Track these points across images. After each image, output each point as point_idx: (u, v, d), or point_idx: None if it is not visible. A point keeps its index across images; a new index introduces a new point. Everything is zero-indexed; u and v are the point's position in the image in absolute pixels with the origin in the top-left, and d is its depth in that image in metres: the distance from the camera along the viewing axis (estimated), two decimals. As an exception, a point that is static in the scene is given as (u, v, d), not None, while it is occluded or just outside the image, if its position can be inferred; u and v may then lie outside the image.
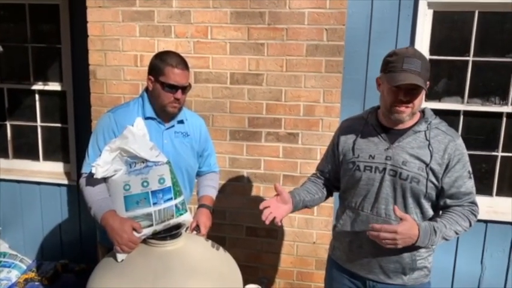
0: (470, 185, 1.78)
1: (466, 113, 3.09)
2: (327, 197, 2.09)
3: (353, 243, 1.89)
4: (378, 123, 1.86)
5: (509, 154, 3.13)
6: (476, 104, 3.08)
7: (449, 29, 3.03)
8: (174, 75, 1.97)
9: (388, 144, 1.80)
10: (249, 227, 3.08)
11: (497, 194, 3.17)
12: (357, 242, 1.88)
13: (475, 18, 2.96)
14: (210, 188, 2.29)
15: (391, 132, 1.81)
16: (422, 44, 2.97)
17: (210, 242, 1.95)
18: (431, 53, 3.04)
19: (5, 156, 3.89)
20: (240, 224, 3.08)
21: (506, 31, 2.97)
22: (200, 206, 2.17)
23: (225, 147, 2.99)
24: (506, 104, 3.04)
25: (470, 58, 3.03)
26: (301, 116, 2.88)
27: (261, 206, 1.82)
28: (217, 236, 3.07)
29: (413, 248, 1.76)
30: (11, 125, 3.87)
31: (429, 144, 1.75)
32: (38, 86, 3.72)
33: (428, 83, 1.79)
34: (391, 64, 1.71)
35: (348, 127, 1.97)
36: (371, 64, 2.98)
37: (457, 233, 1.75)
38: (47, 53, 3.67)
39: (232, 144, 2.99)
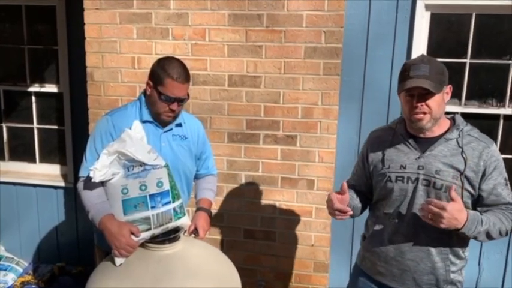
0: (507, 192, 1.75)
1: (464, 115, 3.09)
2: (363, 210, 2.03)
3: (385, 254, 1.85)
4: (407, 133, 1.83)
5: (507, 156, 3.13)
6: (473, 106, 3.09)
7: (446, 31, 3.03)
8: (173, 88, 1.93)
9: (419, 153, 1.77)
10: (246, 230, 3.07)
11: (495, 196, 3.17)
12: (389, 254, 1.84)
13: (472, 21, 2.97)
14: (208, 191, 2.28)
15: (422, 141, 1.78)
16: (420, 46, 2.97)
17: (208, 245, 1.95)
18: (429, 55, 3.03)
19: (1, 158, 3.87)
20: (237, 227, 3.08)
21: (503, 33, 2.98)
22: (198, 209, 2.16)
23: (223, 149, 2.99)
24: (504, 106, 3.05)
25: (468, 60, 3.03)
26: (299, 118, 2.87)
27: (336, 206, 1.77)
28: (215, 239, 3.07)
29: (446, 256, 1.77)
30: (7, 127, 3.84)
31: (462, 151, 1.72)
32: (35, 88, 3.70)
33: (450, 87, 1.77)
34: (401, 76, 1.73)
35: (376, 138, 1.94)
36: (369, 66, 2.98)
37: (500, 233, 1.71)
38: (44, 55, 3.66)
39: (230, 146, 2.98)
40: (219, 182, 2.88)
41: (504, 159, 3.08)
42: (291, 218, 3.00)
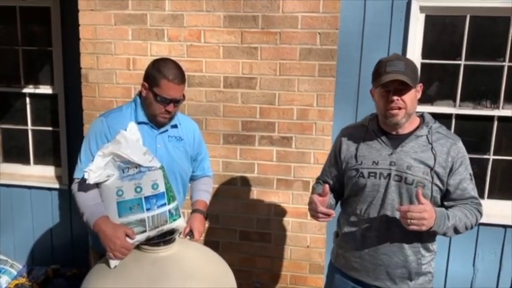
0: (472, 186, 1.81)
1: (458, 117, 3.11)
2: (335, 206, 2.06)
3: (359, 250, 1.88)
4: (379, 129, 1.86)
5: (501, 157, 3.15)
6: (468, 108, 3.10)
7: (441, 33, 3.05)
8: (169, 90, 1.93)
9: (391, 149, 1.81)
10: (242, 231, 3.06)
11: (489, 197, 3.19)
12: (363, 250, 1.87)
13: (467, 23, 2.99)
14: (204, 193, 2.27)
15: (393, 138, 1.83)
16: (415, 47, 2.99)
17: (203, 247, 1.95)
18: (424, 56, 3.06)
19: (-5, 160, 3.85)
20: (233, 228, 3.07)
21: (497, 35, 3.00)
22: (193, 211, 2.16)
23: (219, 151, 2.98)
24: (497, 107, 3.07)
25: (462, 62, 3.05)
26: (294, 119, 2.87)
27: (320, 209, 1.79)
28: (210, 241, 3.07)
29: (417, 250, 1.81)
30: (1, 129, 3.82)
31: (432, 147, 1.77)
32: (29, 89, 3.68)
33: (421, 85, 1.82)
34: (377, 72, 1.77)
35: (348, 134, 1.97)
36: (364, 68, 2.99)
37: (466, 227, 1.76)
38: (38, 56, 3.64)
39: (226, 148, 2.98)
40: (214, 184, 2.88)
41: (498, 160, 3.15)
42: (286, 220, 3.00)
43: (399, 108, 1.74)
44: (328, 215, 1.79)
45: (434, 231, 1.71)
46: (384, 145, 1.83)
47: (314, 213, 1.82)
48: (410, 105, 1.75)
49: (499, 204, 3.17)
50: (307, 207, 1.89)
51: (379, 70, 1.76)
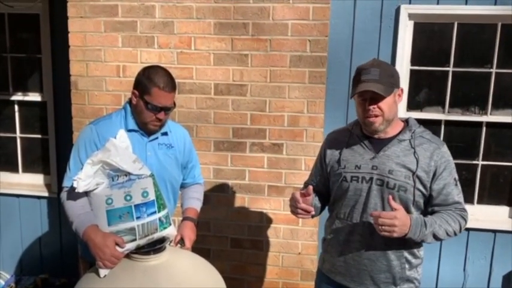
0: (456, 192, 1.80)
1: (447, 123, 3.14)
2: (322, 210, 2.08)
3: (343, 254, 1.89)
4: (362, 134, 1.88)
5: (490, 163, 3.18)
6: (456, 114, 3.13)
7: (429, 40, 3.08)
8: (160, 98, 1.92)
9: (373, 153, 1.82)
10: (233, 239, 3.05)
11: (478, 202, 3.21)
12: (347, 254, 1.87)
13: (455, 30, 3.02)
14: (195, 200, 2.26)
15: (376, 142, 1.83)
16: (404, 54, 3.01)
17: (194, 255, 1.93)
18: (413, 63, 3.09)
19: (-17, 168, 3.80)
20: (224, 236, 3.06)
21: (484, 42, 3.04)
22: (184, 218, 2.14)
23: (210, 158, 2.98)
24: (486, 113, 3.10)
25: (451, 68, 3.08)
26: (285, 126, 2.88)
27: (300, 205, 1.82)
28: (201, 248, 3.04)
29: (401, 254, 1.81)
30: (-11, 137, 3.78)
31: (414, 152, 1.77)
32: (18, 97, 3.65)
33: (401, 89, 1.83)
34: (354, 80, 1.79)
35: (333, 139, 1.99)
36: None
37: (448, 234, 1.76)
38: (27, 63, 3.61)
39: (217, 155, 2.97)
40: (205, 191, 2.86)
41: (487, 165, 3.17)
42: (278, 227, 3.00)
43: (376, 116, 1.75)
44: (308, 212, 1.82)
45: (410, 238, 1.71)
46: (367, 149, 1.84)
47: (294, 209, 1.84)
48: (388, 112, 1.76)
49: (488, 209, 3.20)
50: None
51: (355, 78, 1.78)
